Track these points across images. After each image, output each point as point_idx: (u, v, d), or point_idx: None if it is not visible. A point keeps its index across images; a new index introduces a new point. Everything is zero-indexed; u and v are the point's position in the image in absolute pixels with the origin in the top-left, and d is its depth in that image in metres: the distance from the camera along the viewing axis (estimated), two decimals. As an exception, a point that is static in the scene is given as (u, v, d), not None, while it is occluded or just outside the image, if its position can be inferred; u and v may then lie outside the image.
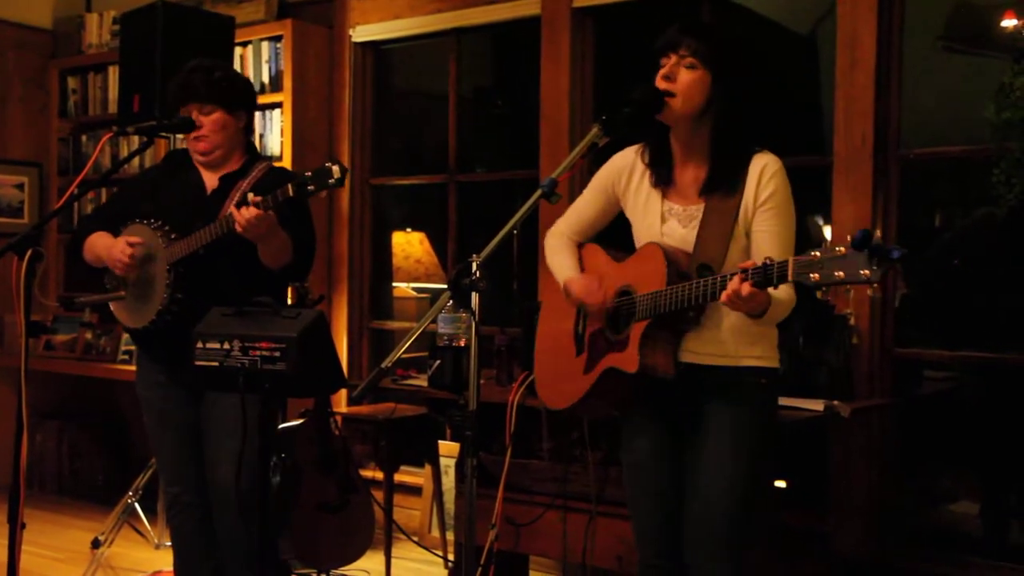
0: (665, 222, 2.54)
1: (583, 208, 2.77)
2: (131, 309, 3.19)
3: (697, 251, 2.46)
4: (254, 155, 3.28)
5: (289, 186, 2.79)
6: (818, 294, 2.03)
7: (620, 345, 2.48)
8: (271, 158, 3.06)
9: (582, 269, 2.71)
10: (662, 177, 2.57)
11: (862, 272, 1.97)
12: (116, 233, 3.17)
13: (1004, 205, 3.35)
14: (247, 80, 3.33)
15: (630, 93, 2.46)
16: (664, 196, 2.56)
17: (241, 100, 3.21)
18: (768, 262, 2.13)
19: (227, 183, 3.17)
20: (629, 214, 2.66)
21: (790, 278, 2.08)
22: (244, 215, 2.86)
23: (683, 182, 2.55)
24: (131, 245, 3.07)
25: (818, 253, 2.02)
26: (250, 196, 2.87)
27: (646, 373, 2.42)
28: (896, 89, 3.74)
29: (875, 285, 1.99)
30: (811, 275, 2.03)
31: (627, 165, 2.67)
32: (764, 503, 2.65)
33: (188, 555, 3.25)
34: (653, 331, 2.43)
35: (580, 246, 2.78)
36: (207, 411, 3.14)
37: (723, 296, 2.22)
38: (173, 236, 3.07)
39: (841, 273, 1.99)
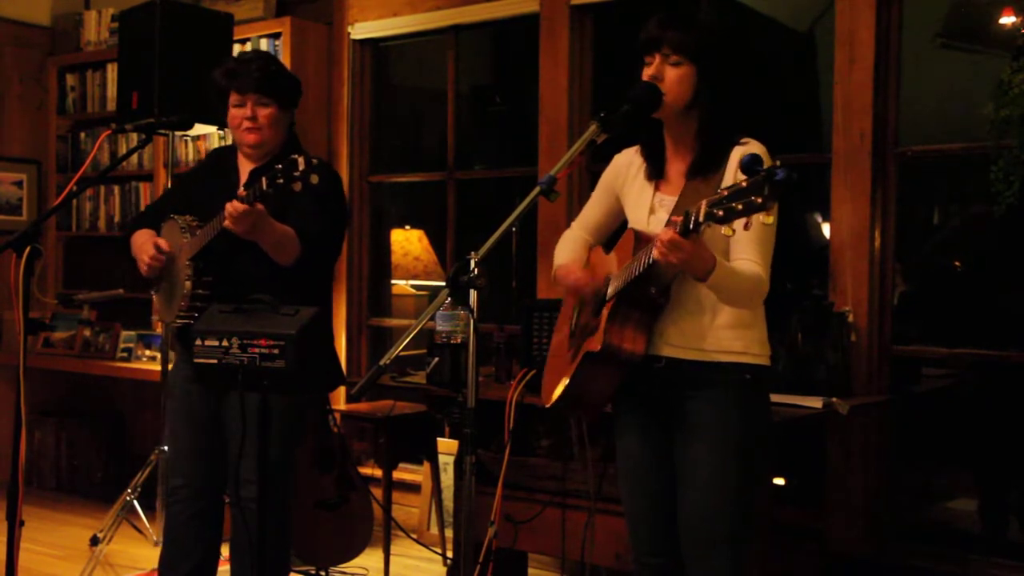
0: (653, 213, 2.54)
1: (590, 208, 2.79)
2: (164, 304, 3.22)
3: None
4: (292, 149, 3.19)
5: (263, 179, 2.75)
6: (725, 230, 2.02)
7: (594, 328, 2.49)
8: (302, 149, 3.02)
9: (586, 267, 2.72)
10: (654, 170, 2.58)
11: (755, 199, 1.96)
12: (159, 230, 3.18)
13: (1003, 202, 3.35)
14: (296, 76, 3.30)
15: (629, 91, 2.46)
16: (656, 189, 2.57)
17: (294, 97, 3.20)
18: (689, 210, 2.12)
19: (256, 176, 3.08)
20: (626, 210, 2.66)
21: (701, 219, 2.06)
22: (228, 210, 2.84)
23: (673, 174, 2.55)
24: (157, 249, 3.08)
25: (727, 190, 2.01)
26: (240, 190, 2.85)
27: (610, 352, 2.41)
28: (895, 86, 3.74)
29: (768, 212, 1.96)
30: (717, 212, 2.01)
31: (626, 163, 2.68)
32: (758, 500, 2.63)
33: (175, 546, 3.24)
34: (619, 309, 2.42)
35: (592, 248, 2.78)
36: (231, 411, 3.11)
37: (654, 251, 2.22)
38: (197, 231, 3.07)
39: (739, 204, 1.98)
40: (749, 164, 1.98)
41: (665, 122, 2.53)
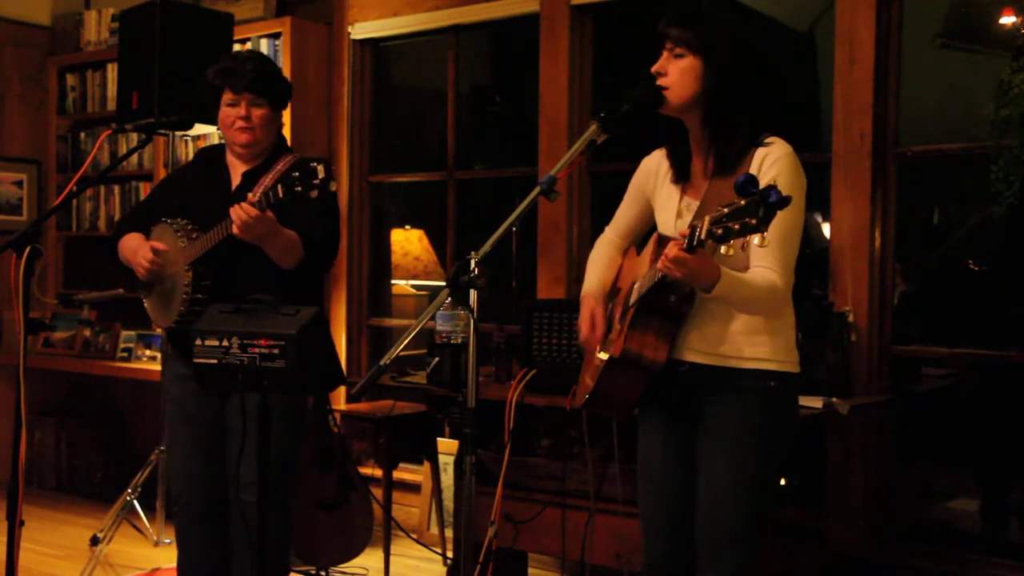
0: (680, 217, 2.52)
1: (623, 212, 2.78)
2: (158, 308, 3.19)
3: None
4: (281, 148, 3.23)
5: (279, 187, 2.75)
6: (725, 249, 2.02)
7: (618, 333, 2.49)
8: (291, 150, 3.01)
9: (619, 272, 2.72)
10: (678, 173, 2.57)
11: (749, 220, 1.96)
12: (148, 233, 3.17)
13: (1003, 202, 3.35)
14: (287, 79, 3.31)
15: (629, 90, 2.46)
16: (683, 192, 2.56)
17: (286, 99, 3.21)
18: (694, 224, 2.12)
19: (250, 179, 3.11)
20: (655, 214, 2.65)
21: (703, 236, 2.07)
22: (240, 215, 2.82)
23: (697, 177, 2.54)
24: (155, 252, 3.06)
25: (726, 208, 2.01)
26: (249, 196, 2.85)
27: (630, 359, 2.41)
28: (895, 86, 3.74)
29: (763, 235, 1.97)
30: (716, 231, 2.02)
31: (655, 166, 2.66)
32: (772, 507, 2.63)
33: (191, 552, 3.25)
34: (639, 316, 2.42)
35: (626, 252, 2.78)
36: (232, 411, 3.10)
37: (659, 263, 2.22)
38: (194, 236, 3.04)
39: (736, 224, 1.99)
40: (743, 185, 1.98)
41: (687, 124, 2.52)
